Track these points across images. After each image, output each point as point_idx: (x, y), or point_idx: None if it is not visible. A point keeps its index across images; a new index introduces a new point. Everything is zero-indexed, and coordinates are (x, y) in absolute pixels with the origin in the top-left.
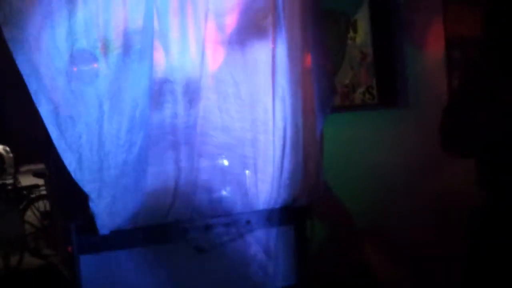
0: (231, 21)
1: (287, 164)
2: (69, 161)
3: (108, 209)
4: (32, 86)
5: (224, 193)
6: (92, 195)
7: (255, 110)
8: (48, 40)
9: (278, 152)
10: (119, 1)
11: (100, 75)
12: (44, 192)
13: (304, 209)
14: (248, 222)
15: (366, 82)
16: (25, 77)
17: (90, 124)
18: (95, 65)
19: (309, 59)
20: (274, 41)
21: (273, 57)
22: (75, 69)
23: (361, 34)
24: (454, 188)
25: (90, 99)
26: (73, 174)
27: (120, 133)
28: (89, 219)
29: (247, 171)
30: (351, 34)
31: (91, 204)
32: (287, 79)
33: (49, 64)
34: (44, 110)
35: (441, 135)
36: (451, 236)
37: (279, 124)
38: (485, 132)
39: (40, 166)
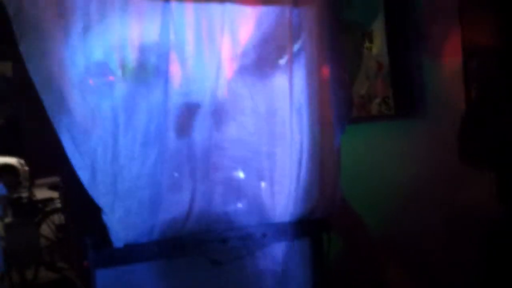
0: (246, 34)
1: (303, 177)
2: (83, 174)
3: (121, 222)
4: (47, 100)
5: (240, 206)
6: (106, 208)
7: (272, 123)
8: (64, 53)
9: (294, 165)
10: (136, 15)
11: (116, 88)
12: (59, 205)
13: (321, 222)
14: (264, 235)
15: (382, 93)
16: (40, 91)
17: (105, 137)
18: (111, 78)
19: (326, 71)
20: (291, 54)
21: (290, 69)
22: (91, 81)
23: (377, 44)
24: (473, 200)
25: (105, 112)
26: (87, 187)
27: (134, 146)
28: (104, 232)
29: (263, 184)
30: (367, 44)
31: (104, 217)
32: (304, 91)
33: (64, 78)
34: (59, 124)
35: (459, 147)
36: (469, 249)
37: (296, 136)
38: (504, 144)
39: (55, 179)
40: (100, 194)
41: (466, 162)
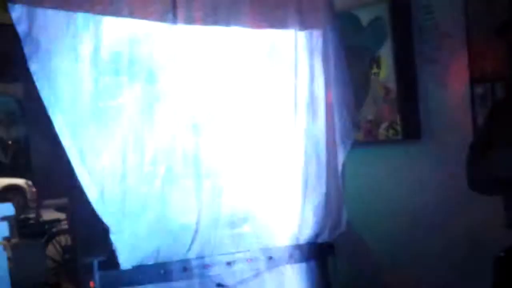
0: (253, 56)
1: (309, 198)
2: (92, 192)
3: (129, 242)
4: (56, 119)
5: (246, 228)
6: (113, 228)
7: (277, 143)
8: (73, 74)
9: (300, 186)
10: (144, 36)
11: (125, 108)
12: (65, 227)
13: (326, 246)
14: (270, 258)
15: (390, 118)
16: (49, 110)
17: (113, 156)
18: (120, 100)
19: (331, 93)
20: (296, 75)
21: (295, 90)
22: (101, 104)
23: (385, 70)
24: (481, 226)
25: (113, 131)
26: (95, 206)
27: (142, 165)
28: (111, 254)
29: (269, 206)
30: (374, 69)
31: (112, 237)
32: (309, 112)
33: (73, 98)
34: (68, 142)
35: (467, 172)
36: (476, 275)
37: (302, 157)
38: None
39: (63, 200)
40: (107, 213)
41: (473, 187)
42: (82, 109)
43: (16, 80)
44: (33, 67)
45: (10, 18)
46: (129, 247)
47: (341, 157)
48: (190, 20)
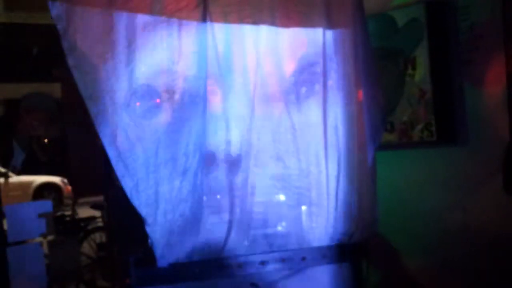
0: (282, 54)
1: (341, 197)
2: (127, 183)
3: (166, 237)
4: (92, 110)
5: (279, 227)
6: (149, 219)
7: (308, 140)
8: (110, 70)
9: (332, 184)
10: (178, 38)
11: (160, 109)
12: (100, 224)
13: (360, 247)
14: (303, 258)
15: (424, 119)
16: (86, 101)
17: (147, 146)
18: (157, 101)
19: (360, 90)
20: (325, 73)
21: (324, 88)
22: (138, 104)
23: (420, 71)
24: None
25: (148, 127)
26: (130, 197)
27: (175, 156)
28: (147, 252)
29: (302, 204)
30: (409, 71)
31: (147, 229)
32: (339, 109)
33: (110, 92)
34: (104, 132)
35: (504, 175)
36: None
37: (332, 154)
38: None
39: (98, 198)
40: (142, 204)
41: (510, 190)
42: (118, 106)
43: (53, 79)
44: (71, 62)
45: (48, 18)
46: (166, 242)
47: (371, 154)
48: (220, 17)
